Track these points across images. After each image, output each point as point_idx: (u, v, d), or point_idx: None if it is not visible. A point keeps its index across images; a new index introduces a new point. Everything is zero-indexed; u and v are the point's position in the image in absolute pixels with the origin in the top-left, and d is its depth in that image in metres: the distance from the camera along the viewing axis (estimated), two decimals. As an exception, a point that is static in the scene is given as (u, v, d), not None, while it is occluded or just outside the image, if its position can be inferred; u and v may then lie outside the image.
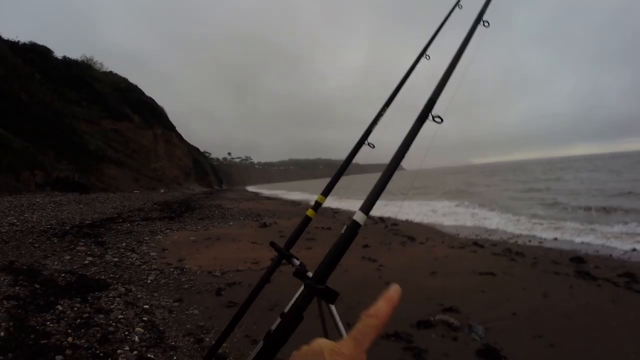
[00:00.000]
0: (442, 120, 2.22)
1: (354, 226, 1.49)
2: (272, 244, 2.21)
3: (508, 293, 5.37)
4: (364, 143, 3.47)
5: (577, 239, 9.70)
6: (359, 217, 1.50)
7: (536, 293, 5.32)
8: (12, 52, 28.17)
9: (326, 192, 2.94)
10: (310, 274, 1.71)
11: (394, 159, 2.02)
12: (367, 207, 1.60)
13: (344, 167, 3.32)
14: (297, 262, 1.85)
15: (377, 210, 18.19)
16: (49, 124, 25.30)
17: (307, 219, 2.55)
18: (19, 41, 33.42)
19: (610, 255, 7.81)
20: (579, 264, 7.03)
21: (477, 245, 9.30)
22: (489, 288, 5.61)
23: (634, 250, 8.18)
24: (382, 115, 3.69)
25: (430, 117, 2.17)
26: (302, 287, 1.66)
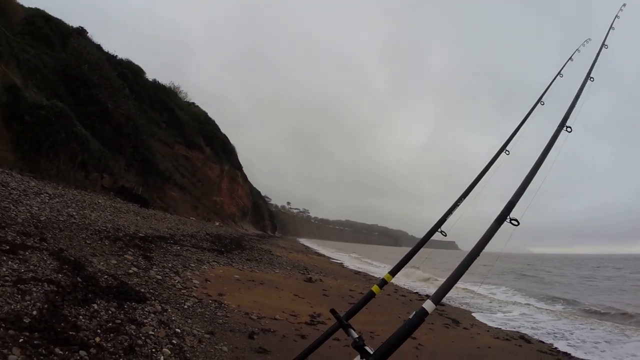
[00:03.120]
0: (518, 223, 2.18)
1: (422, 314, 1.54)
2: (333, 312, 2.21)
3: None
4: (437, 230, 3.46)
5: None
6: (429, 305, 1.55)
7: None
8: (109, 63, 31.44)
9: (394, 272, 2.87)
10: (368, 349, 1.67)
11: (469, 256, 1.96)
12: (438, 298, 1.60)
13: (415, 250, 3.27)
14: (355, 335, 1.80)
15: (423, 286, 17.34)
16: (127, 136, 27.54)
17: (371, 294, 2.52)
18: (116, 56, 36.88)
19: None
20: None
21: (524, 339, 8.54)
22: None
23: None
24: (458, 205, 3.63)
25: (507, 219, 2.18)
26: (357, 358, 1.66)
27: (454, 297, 15.01)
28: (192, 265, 9.68)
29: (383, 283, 2.70)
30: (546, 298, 17.29)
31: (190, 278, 8.13)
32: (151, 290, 5.98)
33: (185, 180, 39.54)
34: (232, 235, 27.93)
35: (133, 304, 4.79)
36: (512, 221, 2.09)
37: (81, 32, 30.42)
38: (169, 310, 5.24)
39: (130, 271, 6.63)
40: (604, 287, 24.79)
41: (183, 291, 6.77)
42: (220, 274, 9.93)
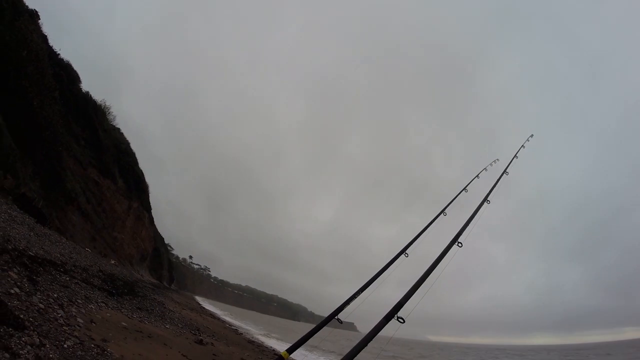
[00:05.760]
0: (404, 321, 2.59)
1: None
2: None
3: None
4: (334, 317, 3.70)
5: None
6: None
7: None
8: (49, 59, 29.41)
9: (292, 349, 2.94)
10: None
11: (361, 343, 2.24)
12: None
13: (314, 331, 3.39)
14: None
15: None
16: (42, 141, 25.31)
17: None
18: (59, 54, 34.72)
19: None
20: None
21: None
22: None
23: None
24: (355, 297, 3.92)
25: (395, 317, 2.60)
26: None
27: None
28: (79, 301, 8.85)
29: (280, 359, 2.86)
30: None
31: (75, 315, 7.41)
32: (31, 319, 5.38)
33: (89, 207, 36.75)
34: (126, 278, 25.90)
35: (10, 329, 4.29)
36: (399, 319, 2.49)
37: (33, 15, 28.40)
38: (48, 345, 4.74)
39: (12, 291, 5.96)
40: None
41: (65, 328, 6.15)
42: (107, 317, 9.14)
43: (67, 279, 10.54)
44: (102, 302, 10.57)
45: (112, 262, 34.38)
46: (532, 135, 6.91)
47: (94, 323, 7.78)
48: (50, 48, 32.13)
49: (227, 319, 41.51)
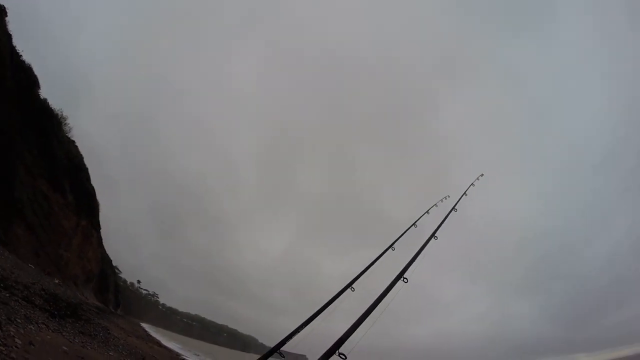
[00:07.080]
0: (345, 357, 2.62)
1: None
2: None
3: None
4: (275, 351, 3.70)
5: None
6: None
7: None
8: (10, 60, 28.44)
9: None
10: None
11: None
12: None
13: None
14: None
15: None
16: (-5, 146, 24.06)
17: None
18: (21, 55, 33.21)
19: None
20: None
21: None
22: None
23: None
24: (299, 331, 3.95)
25: (336, 354, 2.64)
26: None
27: None
28: (19, 320, 8.32)
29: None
30: None
31: (13, 335, 6.95)
32: (-35, 337, 5.00)
33: (35, 220, 34.73)
34: (69, 299, 24.47)
35: (-58, 347, 3.96)
36: (341, 355, 2.51)
37: (2, 11, 27.46)
38: (-18, 367, 4.39)
39: (-53, 307, 5.53)
40: None
41: (1, 348, 5.75)
42: (47, 340, 8.59)
43: (7, 295, 9.92)
44: (43, 323, 9.95)
45: (56, 281, 32.60)
46: (482, 175, 7.13)
47: (33, 345, 7.30)
48: (14, 48, 30.81)
49: (176, 349, 39.80)
